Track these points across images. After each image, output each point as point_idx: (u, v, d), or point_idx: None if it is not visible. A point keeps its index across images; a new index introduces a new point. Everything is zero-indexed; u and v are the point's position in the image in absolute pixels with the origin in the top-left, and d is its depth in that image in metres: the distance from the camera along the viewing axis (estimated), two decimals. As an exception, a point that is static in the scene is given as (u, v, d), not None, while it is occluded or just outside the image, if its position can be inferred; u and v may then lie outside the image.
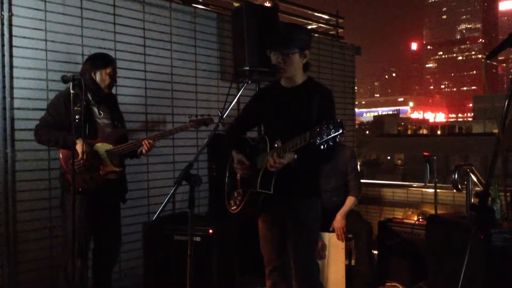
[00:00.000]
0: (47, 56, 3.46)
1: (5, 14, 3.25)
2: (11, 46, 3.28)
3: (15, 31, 3.30)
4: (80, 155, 2.82)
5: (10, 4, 3.26)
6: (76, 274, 2.88)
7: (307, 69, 2.65)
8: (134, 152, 3.16)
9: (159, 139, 3.24)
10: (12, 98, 3.28)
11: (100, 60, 3.07)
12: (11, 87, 3.28)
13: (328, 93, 2.60)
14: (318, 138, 2.13)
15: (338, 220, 3.86)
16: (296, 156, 2.38)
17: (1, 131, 3.24)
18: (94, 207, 2.96)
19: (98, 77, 3.03)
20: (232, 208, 2.75)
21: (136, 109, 4.00)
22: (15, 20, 3.30)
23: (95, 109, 3.06)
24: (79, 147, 2.81)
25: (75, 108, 2.88)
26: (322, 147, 2.14)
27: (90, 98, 3.03)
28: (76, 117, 2.87)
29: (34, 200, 3.36)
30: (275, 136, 2.48)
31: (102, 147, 2.98)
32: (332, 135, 2.13)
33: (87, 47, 3.62)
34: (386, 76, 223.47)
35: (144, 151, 3.12)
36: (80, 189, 2.88)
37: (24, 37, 3.35)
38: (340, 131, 2.14)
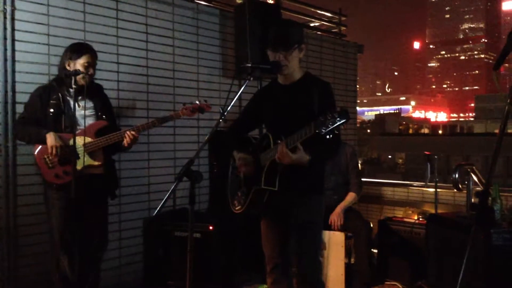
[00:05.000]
0: (50, 50, 3.46)
1: (8, 8, 3.25)
2: (13, 40, 3.27)
3: (17, 25, 3.30)
4: (50, 150, 2.73)
5: (13, -2, 3.26)
6: (68, 269, 2.85)
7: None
8: (118, 145, 2.97)
9: (145, 130, 3.08)
10: (14, 92, 3.28)
11: (75, 50, 2.92)
12: (13, 81, 3.28)
13: (326, 86, 2.61)
14: (323, 127, 2.12)
15: (337, 213, 3.88)
16: (310, 157, 2.37)
17: (2, 125, 3.24)
18: (76, 202, 2.74)
19: (72, 67, 2.87)
20: (237, 208, 2.71)
21: (137, 104, 4.00)
22: (17, 14, 3.30)
23: (72, 102, 2.85)
24: (49, 141, 2.74)
25: (50, 101, 2.83)
26: (327, 137, 2.13)
27: (65, 90, 2.89)
28: (51, 110, 2.82)
29: (35, 194, 3.35)
30: (278, 133, 2.48)
31: (79, 140, 2.82)
32: (337, 123, 2.11)
33: (89, 42, 3.61)
34: (388, 75, 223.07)
35: (126, 143, 2.94)
36: (55, 184, 2.83)
37: (26, 31, 3.35)
38: (345, 119, 2.11)
